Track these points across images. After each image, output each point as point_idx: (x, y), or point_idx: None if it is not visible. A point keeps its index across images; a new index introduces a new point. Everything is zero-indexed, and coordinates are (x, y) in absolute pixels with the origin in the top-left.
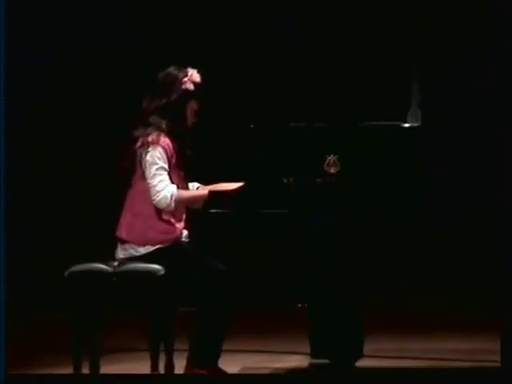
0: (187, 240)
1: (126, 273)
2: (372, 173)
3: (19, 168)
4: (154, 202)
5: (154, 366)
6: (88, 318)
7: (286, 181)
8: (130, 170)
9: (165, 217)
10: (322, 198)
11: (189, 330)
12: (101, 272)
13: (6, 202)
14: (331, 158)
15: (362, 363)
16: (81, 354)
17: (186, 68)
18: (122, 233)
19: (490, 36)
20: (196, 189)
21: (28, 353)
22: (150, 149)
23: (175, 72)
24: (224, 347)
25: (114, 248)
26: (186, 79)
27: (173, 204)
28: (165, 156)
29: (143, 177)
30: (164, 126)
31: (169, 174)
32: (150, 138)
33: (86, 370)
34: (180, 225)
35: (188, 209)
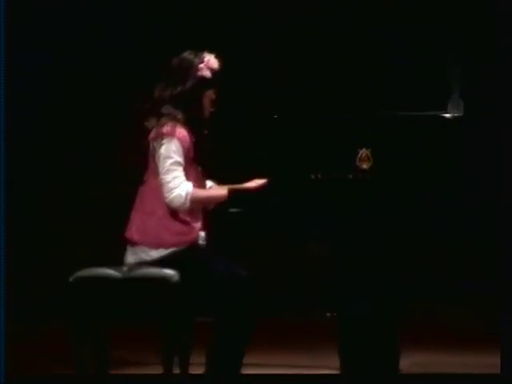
0: (204, 242)
1: (136, 279)
2: (408, 168)
3: (19, 169)
4: (166, 200)
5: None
6: (94, 329)
7: (313, 177)
8: (142, 164)
9: (180, 217)
10: (353, 196)
11: (206, 343)
12: (109, 278)
13: (7, 202)
14: (364, 151)
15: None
16: (86, 368)
17: (203, 53)
18: (132, 234)
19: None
20: (208, 187)
21: (30, 364)
22: (164, 141)
23: (191, 57)
24: (244, 361)
25: (123, 251)
26: (202, 65)
27: (188, 204)
28: (181, 149)
29: (156, 172)
30: (179, 116)
31: (185, 169)
32: (164, 129)
33: None
34: (197, 225)
35: (205, 208)
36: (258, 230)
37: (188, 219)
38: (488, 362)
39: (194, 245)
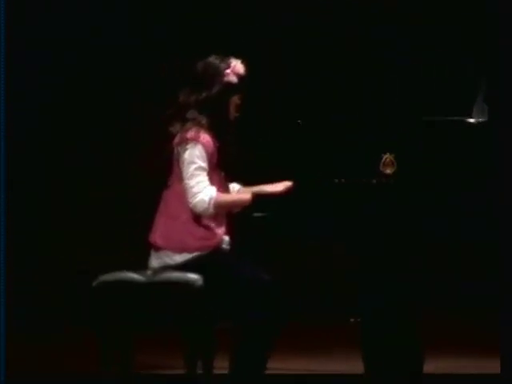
0: (228, 247)
1: (160, 283)
2: (433, 174)
3: (19, 169)
4: (190, 205)
5: None
6: (118, 333)
7: (337, 182)
8: (167, 169)
9: (204, 221)
10: (377, 201)
11: (229, 348)
12: (132, 282)
13: (7, 202)
14: (387, 156)
15: None
16: (110, 373)
17: (229, 58)
18: (156, 239)
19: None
20: (236, 191)
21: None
22: (188, 146)
23: (217, 63)
24: (268, 367)
25: (147, 255)
26: (228, 71)
27: (211, 208)
28: (205, 154)
29: (180, 177)
30: (204, 121)
31: (208, 174)
32: (188, 134)
33: None
34: (221, 230)
35: (229, 212)
36: (281, 234)
37: (212, 224)
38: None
39: (217, 249)
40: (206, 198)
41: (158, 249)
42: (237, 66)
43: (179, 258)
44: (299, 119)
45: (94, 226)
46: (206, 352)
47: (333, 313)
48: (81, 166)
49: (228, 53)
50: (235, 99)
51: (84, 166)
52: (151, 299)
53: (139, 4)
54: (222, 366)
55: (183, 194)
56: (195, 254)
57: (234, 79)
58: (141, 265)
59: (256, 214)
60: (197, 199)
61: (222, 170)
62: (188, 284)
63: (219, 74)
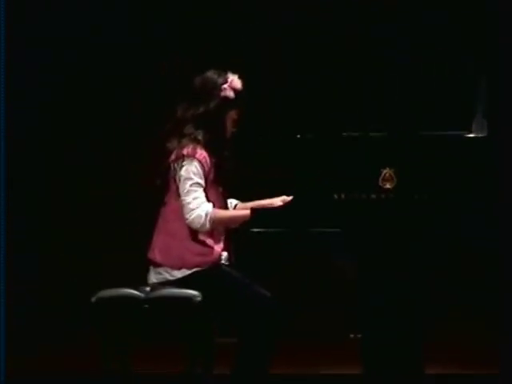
0: (227, 262)
1: (159, 299)
2: (433, 188)
3: (19, 168)
4: (187, 221)
5: None
6: (117, 349)
7: (336, 197)
8: (163, 185)
9: (202, 238)
10: (376, 216)
11: (229, 363)
12: (131, 298)
13: (7, 202)
14: (387, 171)
15: None
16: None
17: (226, 73)
18: (155, 255)
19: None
20: (234, 206)
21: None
22: (185, 162)
23: (214, 77)
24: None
25: (144, 271)
26: (226, 86)
27: (208, 224)
28: (201, 171)
29: (177, 193)
30: (200, 137)
31: (205, 190)
32: (185, 151)
33: None
34: (218, 246)
35: (227, 228)
36: (280, 249)
37: (210, 240)
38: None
39: (216, 265)
40: (203, 214)
41: (157, 265)
42: (234, 80)
43: (178, 273)
44: (298, 133)
45: (94, 225)
46: (206, 366)
47: (332, 329)
48: (81, 164)
49: (227, 53)
50: (232, 114)
51: (84, 164)
52: (150, 315)
53: (139, 3)
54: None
55: (180, 211)
56: (194, 269)
57: (231, 94)
58: (139, 281)
59: (254, 230)
60: (193, 215)
61: (219, 185)
62: (187, 300)
63: (217, 88)
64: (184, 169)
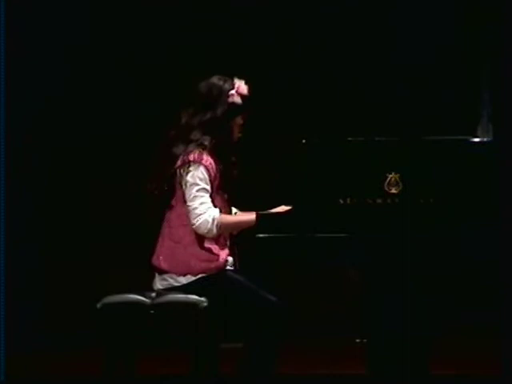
0: (232, 268)
1: (164, 305)
2: (438, 193)
3: (19, 167)
4: (193, 226)
5: None
6: (122, 355)
7: (342, 202)
8: (169, 191)
9: (207, 243)
10: (382, 221)
11: (234, 369)
12: (137, 303)
13: (6, 201)
14: (392, 176)
15: None
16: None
17: (233, 79)
18: (159, 262)
19: None
20: (233, 214)
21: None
22: (191, 168)
23: (221, 83)
24: None
25: (150, 277)
26: (232, 92)
27: (215, 230)
28: (207, 176)
29: (183, 199)
30: (207, 142)
31: (211, 196)
32: (191, 157)
33: None
34: (224, 252)
35: (232, 234)
36: (286, 255)
37: (215, 245)
38: None
39: (222, 270)
40: (210, 219)
41: (162, 271)
42: (241, 86)
43: (184, 279)
44: (303, 138)
45: (94, 225)
46: (211, 372)
47: (339, 333)
48: (81, 164)
49: (228, 52)
50: (238, 119)
51: (84, 164)
52: (156, 321)
53: (139, 2)
54: None
55: (186, 217)
56: (200, 275)
57: (238, 100)
58: (145, 286)
59: (260, 235)
60: (200, 221)
61: (225, 192)
62: (193, 305)
63: (224, 94)
64: (190, 174)
